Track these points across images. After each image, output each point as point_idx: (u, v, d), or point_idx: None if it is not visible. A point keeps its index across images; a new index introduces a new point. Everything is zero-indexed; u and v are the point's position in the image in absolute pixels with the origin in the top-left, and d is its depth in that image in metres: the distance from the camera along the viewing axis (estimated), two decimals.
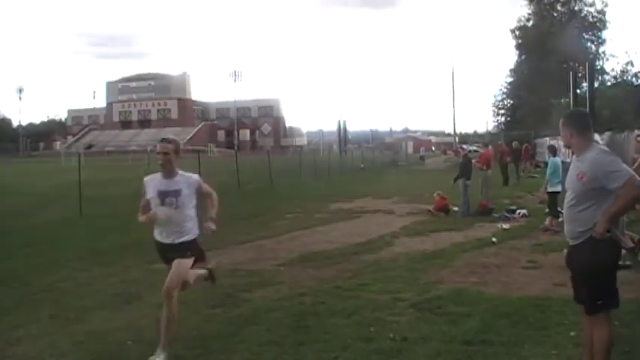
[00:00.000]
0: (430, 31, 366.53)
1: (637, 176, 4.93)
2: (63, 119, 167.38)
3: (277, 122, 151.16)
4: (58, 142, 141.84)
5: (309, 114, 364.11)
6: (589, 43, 59.07)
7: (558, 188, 14.12)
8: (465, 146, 29.74)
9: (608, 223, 4.96)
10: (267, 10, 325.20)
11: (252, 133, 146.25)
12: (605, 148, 5.23)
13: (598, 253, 5.02)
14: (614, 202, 4.96)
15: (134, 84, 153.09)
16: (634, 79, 51.73)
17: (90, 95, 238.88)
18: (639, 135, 24.93)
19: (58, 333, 7.24)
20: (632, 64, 51.99)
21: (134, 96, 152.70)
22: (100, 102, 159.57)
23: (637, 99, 41.51)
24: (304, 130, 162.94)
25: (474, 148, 58.01)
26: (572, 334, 6.45)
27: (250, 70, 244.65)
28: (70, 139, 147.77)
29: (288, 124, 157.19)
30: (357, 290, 8.96)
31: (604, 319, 5.15)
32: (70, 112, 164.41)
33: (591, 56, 53.83)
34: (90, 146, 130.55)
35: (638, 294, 8.26)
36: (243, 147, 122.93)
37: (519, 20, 63.39)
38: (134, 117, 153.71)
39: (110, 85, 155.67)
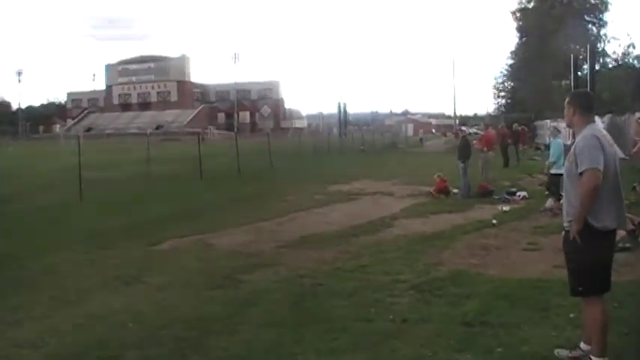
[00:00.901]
0: (431, 13, 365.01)
1: (599, 171, 4.97)
2: (62, 102, 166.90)
3: (277, 104, 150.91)
4: (58, 125, 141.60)
5: (309, 96, 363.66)
6: (590, 25, 58.86)
7: (562, 170, 14.07)
8: (464, 128, 29.68)
9: (577, 224, 5.05)
10: None
11: (251, 115, 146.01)
12: (597, 132, 5.24)
13: (583, 241, 5.06)
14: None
15: (134, 66, 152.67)
16: (635, 61, 51.58)
17: (89, 78, 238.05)
18: None
19: (58, 315, 7.25)
20: (634, 47, 51.83)
21: (134, 78, 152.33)
22: (100, 84, 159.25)
23: (638, 81, 41.37)
24: (304, 113, 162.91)
25: (474, 130, 57.95)
26: (571, 315, 6.44)
27: (250, 52, 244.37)
28: (70, 122, 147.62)
29: (287, 107, 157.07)
30: (357, 272, 8.97)
31: (595, 300, 5.20)
32: (69, 94, 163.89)
33: (592, 38, 53.63)
34: (89, 129, 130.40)
35: (637, 276, 8.27)
36: (242, 129, 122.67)
37: (520, 2, 63.20)
38: (134, 99, 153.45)
39: (110, 68, 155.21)
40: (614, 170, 5.20)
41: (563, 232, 5.40)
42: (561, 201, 5.83)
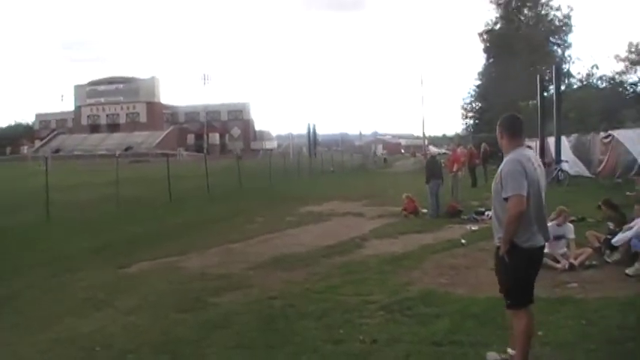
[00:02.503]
0: (399, 35, 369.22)
1: (522, 197, 5.24)
2: (30, 123, 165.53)
3: (247, 126, 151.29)
4: (26, 147, 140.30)
5: (279, 117, 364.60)
6: (555, 47, 59.83)
7: None
8: (433, 148, 29.86)
9: (504, 244, 5.39)
10: (237, 13, 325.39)
11: (221, 136, 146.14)
12: (522, 157, 5.49)
13: (511, 259, 5.42)
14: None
15: (103, 87, 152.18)
16: (599, 82, 52.44)
17: (58, 99, 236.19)
18: (605, 137, 25.33)
19: (24, 341, 7.13)
20: (597, 67, 52.73)
21: (103, 100, 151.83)
22: (68, 106, 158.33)
23: (602, 102, 42.10)
24: (274, 134, 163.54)
25: (444, 150, 58.30)
26: (539, 333, 6.49)
27: (220, 73, 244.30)
28: (38, 143, 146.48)
29: (257, 128, 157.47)
30: (327, 293, 8.95)
31: (521, 313, 5.56)
32: (37, 115, 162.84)
33: (558, 59, 54.48)
34: (58, 150, 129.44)
35: (603, 293, 8.36)
36: (212, 150, 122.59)
37: (487, 24, 63.84)
38: (103, 121, 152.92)
39: (78, 89, 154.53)
40: (538, 192, 5.49)
41: (495, 249, 5.68)
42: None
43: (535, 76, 36.93)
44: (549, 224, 10.55)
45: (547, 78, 39.55)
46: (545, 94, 36.06)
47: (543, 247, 5.67)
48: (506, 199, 5.31)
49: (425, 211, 18.62)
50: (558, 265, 9.99)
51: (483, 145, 35.28)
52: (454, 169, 21.80)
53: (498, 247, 5.54)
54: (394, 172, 55.04)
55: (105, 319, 8.00)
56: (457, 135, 77.01)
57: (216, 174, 31.79)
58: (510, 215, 5.24)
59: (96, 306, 8.71)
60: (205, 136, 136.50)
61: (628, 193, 18.25)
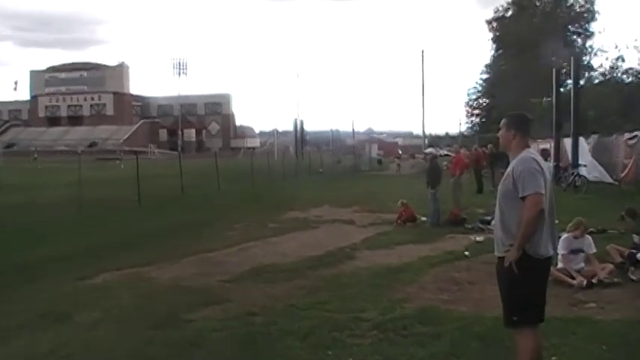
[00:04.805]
0: (398, 22, 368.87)
1: (542, 195, 5.33)
2: None
3: (227, 121, 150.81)
4: None
5: (263, 112, 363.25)
6: (575, 37, 59.67)
7: None
8: (431, 149, 29.85)
9: (517, 250, 5.34)
10: None
11: (198, 132, 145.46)
12: (535, 156, 5.64)
13: (520, 270, 5.35)
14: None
15: (63, 75, 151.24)
16: (624, 76, 52.32)
17: (11, 86, 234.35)
18: (630, 138, 25.24)
19: None
20: (623, 60, 52.58)
21: (63, 88, 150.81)
22: (24, 94, 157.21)
23: (626, 98, 41.93)
24: (257, 130, 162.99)
25: (445, 151, 58.24)
26: (553, 359, 6.54)
27: (197, 62, 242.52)
28: None
29: (238, 123, 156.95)
30: (314, 309, 8.97)
31: (529, 332, 5.52)
32: None
33: (577, 51, 54.35)
34: (11, 145, 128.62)
35: (625, 314, 8.40)
36: (187, 148, 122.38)
37: (497, 10, 63.82)
38: (63, 112, 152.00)
39: (35, 75, 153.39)
40: (550, 197, 5.58)
41: (497, 260, 5.66)
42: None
43: (550, 70, 36.95)
44: (565, 236, 10.59)
45: (564, 72, 39.51)
46: (562, 89, 36.09)
47: (551, 258, 5.70)
48: (523, 199, 5.33)
49: (424, 218, 18.67)
50: (574, 282, 9.97)
51: (490, 146, 35.27)
52: (457, 173, 21.79)
53: (501, 258, 5.54)
54: (390, 174, 54.80)
55: (65, 334, 8.01)
56: (461, 134, 77.19)
57: (191, 174, 31.79)
58: (529, 216, 5.24)
59: (55, 320, 8.70)
60: (180, 132, 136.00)
61: None
